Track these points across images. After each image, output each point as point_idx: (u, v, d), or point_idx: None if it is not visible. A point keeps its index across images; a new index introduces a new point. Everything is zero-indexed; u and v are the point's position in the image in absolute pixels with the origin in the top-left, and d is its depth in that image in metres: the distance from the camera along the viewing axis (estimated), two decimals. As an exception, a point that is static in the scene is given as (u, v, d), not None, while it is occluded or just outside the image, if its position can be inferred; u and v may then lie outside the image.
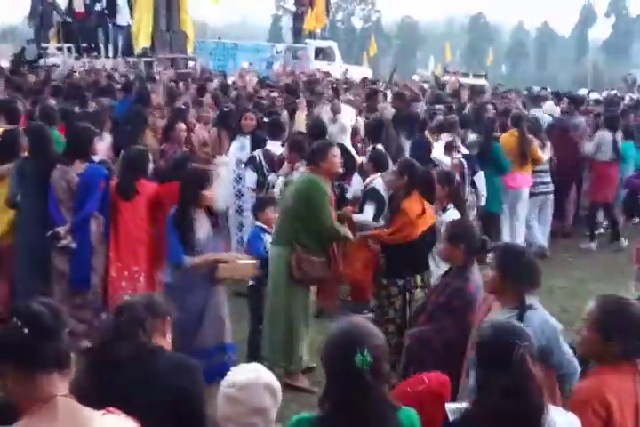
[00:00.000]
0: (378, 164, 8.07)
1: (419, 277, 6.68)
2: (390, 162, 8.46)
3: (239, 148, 9.39)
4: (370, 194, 7.81)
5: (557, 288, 9.63)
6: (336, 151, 6.74)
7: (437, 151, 9.50)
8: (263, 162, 8.85)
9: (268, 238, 7.00)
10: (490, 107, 12.83)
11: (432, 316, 5.12)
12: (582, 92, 22.86)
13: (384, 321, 6.62)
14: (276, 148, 8.97)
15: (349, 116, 11.70)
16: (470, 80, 27.48)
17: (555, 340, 4.09)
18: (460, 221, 5.66)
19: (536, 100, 14.79)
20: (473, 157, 9.67)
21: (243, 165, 9.12)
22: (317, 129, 9.05)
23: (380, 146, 9.42)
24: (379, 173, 7.97)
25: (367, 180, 8.03)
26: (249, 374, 2.88)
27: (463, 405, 3.00)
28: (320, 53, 29.34)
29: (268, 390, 2.85)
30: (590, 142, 11.67)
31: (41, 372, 2.39)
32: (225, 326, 6.09)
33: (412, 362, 5.10)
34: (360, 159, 9.33)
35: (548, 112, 13.50)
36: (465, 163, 9.24)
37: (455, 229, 5.25)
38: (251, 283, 7.03)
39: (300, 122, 10.32)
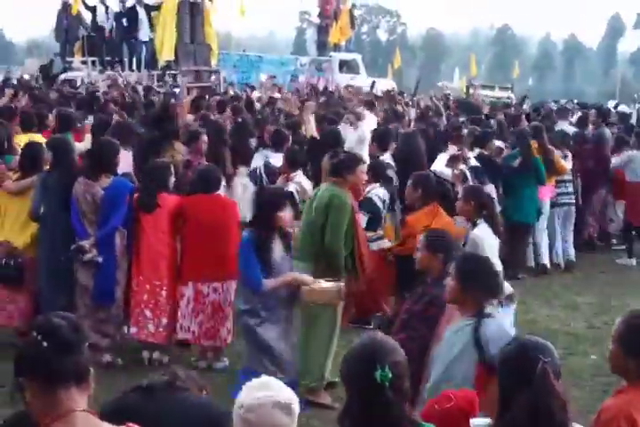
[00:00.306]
0: (376, 173, 8.01)
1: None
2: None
3: (262, 160, 9.35)
4: (365, 204, 7.75)
5: (584, 304, 9.50)
6: (364, 168, 6.71)
7: (440, 163, 9.38)
8: (263, 175, 8.84)
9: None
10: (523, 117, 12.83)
11: (407, 324, 5.07)
12: (611, 104, 22.71)
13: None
14: (277, 160, 8.91)
15: (371, 125, 11.59)
16: (496, 93, 27.38)
17: None
18: (441, 232, 5.58)
19: (562, 112, 14.82)
20: (481, 169, 9.55)
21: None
22: (332, 137, 9.01)
23: (387, 154, 9.32)
24: (377, 184, 7.93)
25: (365, 189, 7.97)
26: (257, 394, 2.80)
27: (487, 420, 2.97)
28: (344, 66, 29.35)
29: (278, 407, 2.76)
30: (618, 157, 11.63)
31: (59, 386, 2.38)
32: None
33: None
34: None
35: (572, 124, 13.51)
36: (469, 175, 9.12)
37: (435, 239, 5.25)
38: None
39: (310, 127, 10.17)
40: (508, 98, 25.42)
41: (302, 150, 9.03)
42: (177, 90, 16.36)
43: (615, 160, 11.69)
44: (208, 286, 7.09)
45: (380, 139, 9.66)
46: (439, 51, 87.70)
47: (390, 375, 2.76)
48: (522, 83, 47.00)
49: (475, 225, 6.74)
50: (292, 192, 7.92)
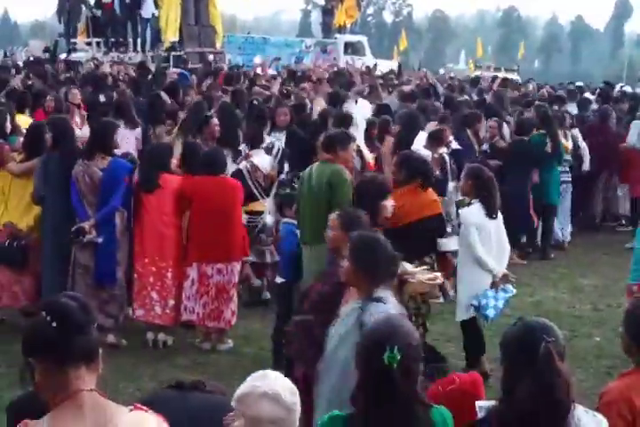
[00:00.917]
0: None
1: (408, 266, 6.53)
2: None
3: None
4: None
5: (589, 286, 9.50)
6: (354, 146, 6.67)
7: (419, 143, 9.12)
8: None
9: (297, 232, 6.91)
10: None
11: (316, 306, 4.86)
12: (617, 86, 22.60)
13: None
14: (261, 159, 8.47)
15: (364, 110, 11.37)
16: (502, 75, 27.26)
17: None
18: (354, 211, 5.35)
19: (571, 94, 15.09)
20: (462, 152, 9.46)
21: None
22: (344, 120, 8.96)
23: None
24: None
25: None
26: (247, 384, 2.80)
27: (493, 402, 2.95)
28: (350, 48, 29.25)
29: (266, 398, 2.74)
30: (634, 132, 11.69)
31: (69, 366, 2.39)
32: None
33: (294, 351, 4.94)
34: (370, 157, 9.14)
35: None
36: (448, 158, 9.01)
37: (348, 219, 5.10)
38: (280, 280, 6.95)
39: (318, 109, 10.12)
40: (516, 80, 25.32)
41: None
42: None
43: (631, 137, 11.71)
44: (212, 268, 7.09)
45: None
46: (445, 33, 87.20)
47: (399, 357, 2.75)
48: (528, 65, 46.85)
49: (469, 205, 6.75)
50: (240, 170, 7.95)
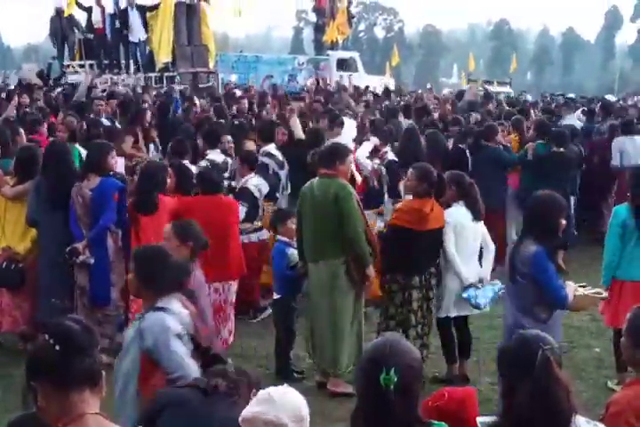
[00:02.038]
0: (250, 162, 8.39)
1: (417, 278, 6.60)
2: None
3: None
4: (241, 195, 8.09)
5: (587, 296, 9.48)
6: (351, 158, 6.72)
7: (361, 153, 9.30)
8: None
9: (292, 252, 6.92)
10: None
11: None
12: (609, 97, 22.73)
13: (386, 317, 6.71)
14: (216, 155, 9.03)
15: (351, 132, 11.29)
16: (495, 88, 27.37)
17: (163, 341, 4.03)
18: (187, 221, 5.72)
19: (569, 106, 15.19)
20: (397, 163, 9.37)
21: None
22: (315, 137, 9.04)
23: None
24: (252, 173, 8.30)
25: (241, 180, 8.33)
26: (255, 408, 2.78)
27: (494, 418, 2.93)
28: (342, 64, 29.36)
29: (270, 425, 2.75)
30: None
31: (73, 389, 2.38)
32: None
33: None
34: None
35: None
36: (383, 170, 9.07)
37: (182, 228, 5.42)
38: (277, 296, 6.96)
39: (297, 128, 10.14)
40: (508, 93, 25.48)
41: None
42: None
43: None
44: (209, 287, 7.07)
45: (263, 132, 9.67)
46: (437, 47, 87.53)
47: (395, 379, 2.70)
48: (521, 77, 47.06)
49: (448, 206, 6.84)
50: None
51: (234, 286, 7.21)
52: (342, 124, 10.62)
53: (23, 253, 7.23)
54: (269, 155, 8.96)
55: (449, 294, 6.77)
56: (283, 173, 9.04)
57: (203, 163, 8.72)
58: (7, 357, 7.01)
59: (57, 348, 2.35)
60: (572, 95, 23.13)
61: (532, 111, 14.88)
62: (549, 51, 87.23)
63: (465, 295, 6.65)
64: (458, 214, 6.75)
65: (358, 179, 9.21)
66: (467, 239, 6.79)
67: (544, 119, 12.05)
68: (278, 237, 7.21)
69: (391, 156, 9.46)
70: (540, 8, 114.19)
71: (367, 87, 21.96)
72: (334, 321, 6.49)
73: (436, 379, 6.66)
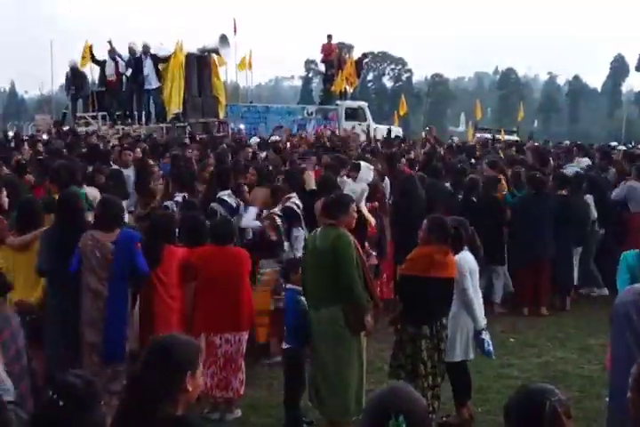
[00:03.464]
0: None
1: (426, 328, 6.58)
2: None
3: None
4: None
5: (597, 345, 9.45)
6: (354, 207, 6.81)
7: (248, 218, 9.20)
8: None
9: (302, 299, 6.94)
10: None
11: None
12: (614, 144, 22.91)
13: (396, 366, 6.69)
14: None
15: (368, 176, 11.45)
16: (502, 137, 27.56)
17: None
18: None
19: (570, 155, 15.37)
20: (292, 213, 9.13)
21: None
22: (328, 185, 9.15)
23: None
24: None
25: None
26: None
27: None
28: (351, 114, 29.62)
29: None
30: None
31: None
32: None
33: None
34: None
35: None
36: (278, 220, 8.87)
37: None
38: (287, 346, 6.97)
39: (310, 181, 10.25)
40: (517, 141, 25.69)
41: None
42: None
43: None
44: (220, 337, 7.11)
45: None
46: (444, 96, 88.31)
47: (404, 426, 2.69)
48: (527, 125, 47.26)
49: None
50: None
51: (245, 336, 7.23)
52: (358, 167, 10.90)
53: (35, 303, 7.17)
54: (221, 201, 9.13)
55: (466, 337, 6.88)
56: (239, 217, 9.08)
57: (215, 205, 8.92)
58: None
59: (61, 403, 2.39)
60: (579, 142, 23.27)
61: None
62: (556, 99, 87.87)
63: (485, 338, 6.83)
64: (470, 259, 6.93)
65: (372, 220, 9.57)
66: (476, 284, 7.01)
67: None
68: (289, 285, 7.23)
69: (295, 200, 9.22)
70: (546, 57, 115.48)
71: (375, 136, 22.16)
72: (340, 369, 6.50)
73: (445, 424, 6.70)
